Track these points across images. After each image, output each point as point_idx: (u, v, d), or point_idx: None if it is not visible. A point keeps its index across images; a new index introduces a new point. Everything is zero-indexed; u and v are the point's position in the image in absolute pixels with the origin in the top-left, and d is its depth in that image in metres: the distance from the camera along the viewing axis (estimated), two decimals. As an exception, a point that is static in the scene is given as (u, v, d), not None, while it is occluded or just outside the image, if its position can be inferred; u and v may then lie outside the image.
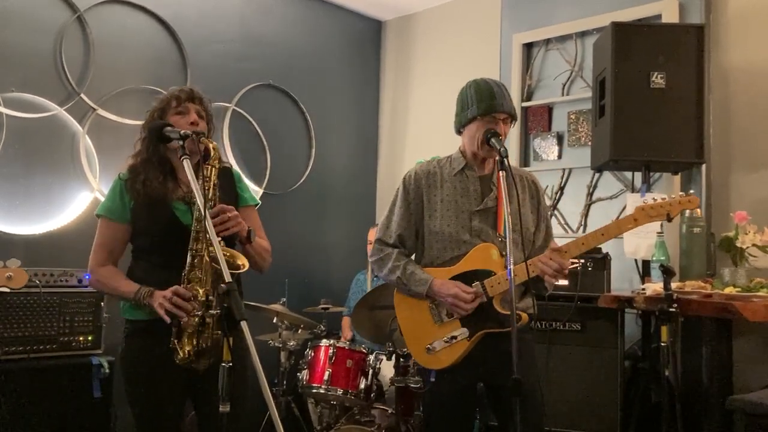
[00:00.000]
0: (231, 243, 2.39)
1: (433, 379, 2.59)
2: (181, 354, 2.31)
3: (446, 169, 2.67)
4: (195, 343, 2.30)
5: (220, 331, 2.28)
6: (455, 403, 2.59)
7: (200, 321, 2.30)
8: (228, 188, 2.60)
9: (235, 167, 2.78)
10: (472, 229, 2.56)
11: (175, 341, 2.32)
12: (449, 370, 2.54)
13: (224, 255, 2.08)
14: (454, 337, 2.52)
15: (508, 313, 2.30)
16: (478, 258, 2.52)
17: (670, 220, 2.40)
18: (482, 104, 2.53)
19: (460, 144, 2.73)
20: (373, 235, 4.58)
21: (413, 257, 2.72)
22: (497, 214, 2.55)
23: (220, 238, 2.20)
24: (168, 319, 2.29)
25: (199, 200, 2.12)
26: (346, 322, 4.66)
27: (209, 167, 2.39)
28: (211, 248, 2.28)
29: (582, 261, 3.50)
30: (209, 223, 2.07)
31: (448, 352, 2.54)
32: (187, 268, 2.34)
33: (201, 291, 2.30)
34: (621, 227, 2.43)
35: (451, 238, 2.57)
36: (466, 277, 2.53)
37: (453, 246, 2.57)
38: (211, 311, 2.28)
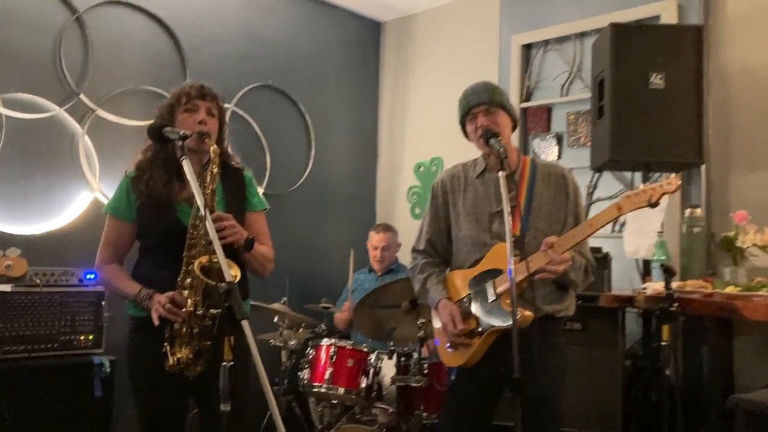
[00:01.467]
0: (230, 250, 2.35)
1: (453, 377, 2.64)
2: (171, 361, 2.32)
3: (470, 173, 2.72)
4: (185, 351, 2.31)
5: (209, 342, 2.30)
6: (472, 402, 2.61)
7: (189, 331, 2.31)
8: (237, 191, 2.60)
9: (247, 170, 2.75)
10: (492, 231, 2.59)
11: (167, 347, 2.33)
12: (468, 369, 2.57)
13: (216, 263, 2.12)
14: (470, 336, 2.54)
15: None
16: (494, 258, 2.53)
17: (653, 206, 2.35)
18: (460, 109, 2.68)
19: (459, 143, 2.80)
20: (377, 240, 4.61)
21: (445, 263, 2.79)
22: (517, 215, 2.55)
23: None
24: (157, 321, 2.31)
25: (199, 201, 2.12)
26: (338, 315, 4.64)
27: (207, 172, 2.36)
28: (202, 259, 2.28)
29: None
30: (210, 224, 2.07)
31: (464, 350, 2.56)
32: (181, 275, 2.34)
33: (189, 301, 2.30)
34: (607, 216, 2.40)
35: (473, 241, 2.61)
36: (482, 276, 2.56)
37: (475, 250, 2.60)
38: (212, 311, 2.28)
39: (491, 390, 2.60)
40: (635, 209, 2.36)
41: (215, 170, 2.36)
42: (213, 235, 2.06)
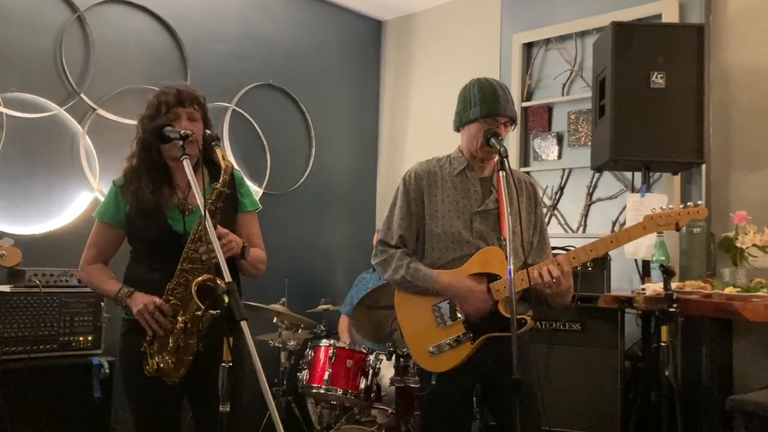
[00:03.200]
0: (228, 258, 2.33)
1: (434, 382, 2.56)
2: (149, 365, 2.34)
3: (446, 169, 2.66)
4: (166, 359, 2.32)
5: (192, 354, 2.32)
6: (455, 405, 2.59)
7: (175, 346, 2.32)
8: (227, 192, 2.59)
9: (237, 168, 2.73)
10: (474, 230, 2.55)
11: (147, 347, 2.35)
12: (450, 373, 2.53)
13: (210, 282, 2.15)
14: (458, 340, 2.51)
15: (517, 317, 2.32)
16: (483, 261, 2.50)
17: (678, 229, 2.41)
18: (485, 106, 2.53)
19: (459, 143, 2.71)
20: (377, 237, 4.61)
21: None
22: (499, 217, 2.53)
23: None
24: (150, 331, 2.33)
25: (200, 201, 2.10)
26: (344, 321, 4.65)
27: (215, 190, 2.34)
28: (200, 279, 2.28)
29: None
30: (209, 225, 2.06)
31: (451, 354, 2.52)
32: (172, 284, 2.35)
33: (180, 319, 2.30)
34: (630, 235, 2.44)
35: (454, 238, 2.56)
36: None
37: (455, 247, 2.56)
38: (212, 312, 2.27)
39: (470, 392, 2.61)
40: (660, 231, 2.39)
41: (222, 188, 2.34)
42: (215, 241, 2.04)
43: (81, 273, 2.58)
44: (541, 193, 2.77)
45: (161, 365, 2.33)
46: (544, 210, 2.76)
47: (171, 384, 2.37)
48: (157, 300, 2.32)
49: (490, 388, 2.60)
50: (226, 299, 1.88)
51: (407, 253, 2.64)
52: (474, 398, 2.82)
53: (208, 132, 2.43)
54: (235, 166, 2.70)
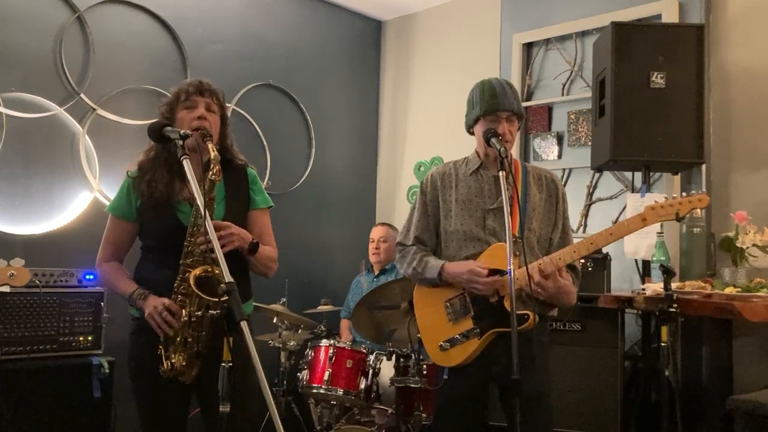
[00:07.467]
0: (233, 253, 2.34)
1: (445, 377, 2.62)
2: (165, 366, 2.34)
3: (462, 170, 2.71)
4: (178, 357, 2.32)
5: (202, 350, 2.32)
6: (466, 402, 2.61)
7: (182, 340, 2.32)
8: (239, 189, 2.58)
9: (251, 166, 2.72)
10: (486, 228, 2.58)
11: (162, 350, 2.34)
12: (461, 369, 2.57)
13: (210, 273, 2.14)
14: (466, 335, 2.54)
15: (519, 312, 2.33)
16: (493, 257, 2.52)
17: (679, 219, 2.38)
18: (484, 104, 2.61)
19: (462, 143, 2.76)
20: (375, 233, 4.63)
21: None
22: (512, 215, 2.54)
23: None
24: (161, 333, 2.32)
25: (199, 202, 2.10)
26: (344, 324, 4.65)
27: (206, 179, 2.31)
28: (197, 271, 2.29)
29: (582, 261, 3.50)
30: (209, 225, 2.05)
31: (459, 350, 2.56)
32: (177, 281, 2.34)
33: (184, 312, 2.30)
34: (630, 227, 2.42)
35: (466, 236, 2.60)
36: None
37: (468, 244, 2.59)
38: (212, 311, 2.27)
39: (482, 390, 2.62)
40: (661, 221, 2.37)
41: (213, 177, 2.31)
42: (213, 236, 2.03)
43: (97, 270, 2.59)
44: (563, 191, 2.76)
45: (174, 363, 2.32)
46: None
47: (183, 383, 2.37)
48: (167, 301, 2.32)
49: (503, 387, 2.60)
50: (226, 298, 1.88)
51: (422, 249, 2.70)
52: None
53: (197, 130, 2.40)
54: (250, 164, 2.70)
